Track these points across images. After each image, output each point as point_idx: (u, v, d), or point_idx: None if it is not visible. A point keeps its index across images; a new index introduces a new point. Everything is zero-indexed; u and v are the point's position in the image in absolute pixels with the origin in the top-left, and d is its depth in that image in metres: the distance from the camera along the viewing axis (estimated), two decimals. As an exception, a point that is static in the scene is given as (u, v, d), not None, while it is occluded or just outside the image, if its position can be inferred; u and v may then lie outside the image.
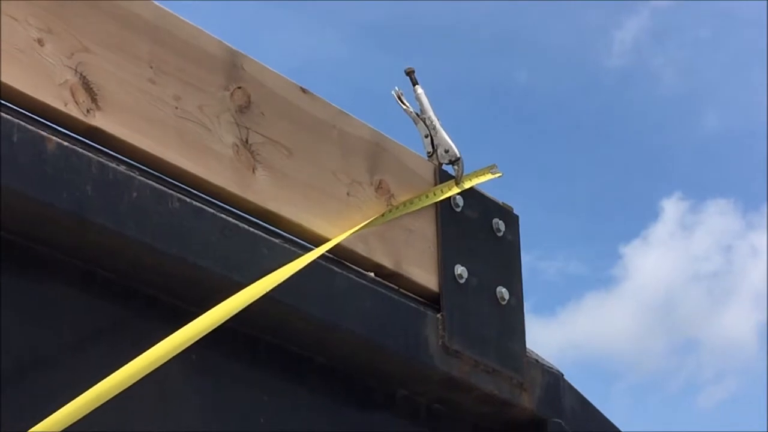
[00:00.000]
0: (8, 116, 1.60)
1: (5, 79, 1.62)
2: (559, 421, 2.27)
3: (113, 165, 1.71)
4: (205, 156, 1.84)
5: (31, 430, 1.51)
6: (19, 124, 1.60)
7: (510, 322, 2.23)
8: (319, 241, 1.94)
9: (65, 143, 1.65)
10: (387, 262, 2.07)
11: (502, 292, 2.22)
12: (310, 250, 1.91)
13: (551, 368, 2.30)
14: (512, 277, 2.26)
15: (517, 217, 2.30)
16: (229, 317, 1.71)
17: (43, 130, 1.64)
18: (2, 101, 1.63)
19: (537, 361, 2.27)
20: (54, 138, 1.64)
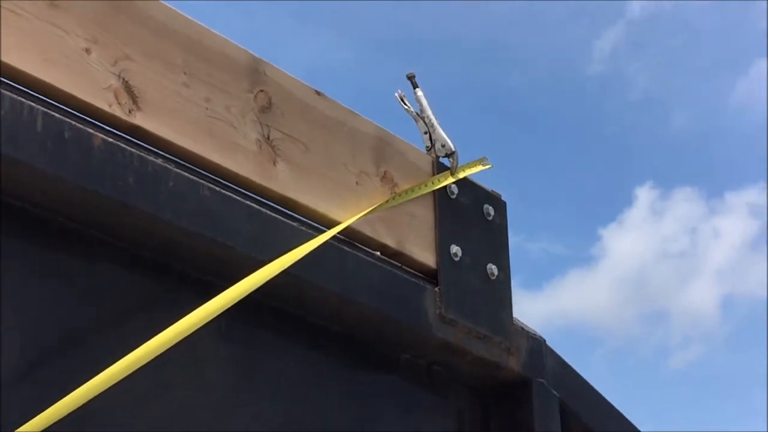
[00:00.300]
0: (60, 116, 1.60)
1: (57, 83, 1.62)
2: (542, 380, 2.26)
3: (152, 158, 1.71)
4: (232, 150, 1.84)
5: (85, 384, 1.50)
6: (69, 123, 1.60)
7: (499, 294, 2.23)
8: (331, 224, 1.94)
9: (109, 139, 1.65)
10: (391, 243, 2.07)
11: (492, 268, 2.22)
12: (323, 232, 1.90)
13: (535, 335, 2.30)
14: (501, 255, 2.26)
15: (505, 203, 2.30)
16: (253, 290, 1.72)
17: (90, 128, 1.63)
18: (55, 103, 1.62)
19: (522, 328, 2.27)
20: (100, 135, 1.64)
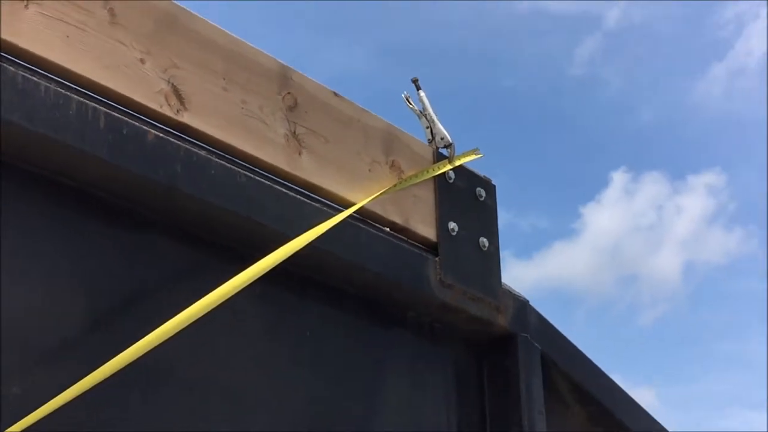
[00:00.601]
0: (119, 115, 1.62)
1: (116, 88, 1.64)
2: (526, 335, 2.27)
3: (196, 150, 1.72)
4: (264, 143, 1.85)
5: (143, 339, 1.52)
6: (126, 121, 1.63)
7: (489, 263, 2.23)
8: (348, 205, 1.95)
9: (160, 134, 1.67)
10: (398, 220, 2.08)
11: (483, 241, 2.22)
12: (341, 211, 1.91)
13: (520, 296, 2.30)
14: (491, 230, 2.26)
15: (495, 186, 2.29)
16: (282, 261, 1.73)
17: (144, 125, 1.66)
18: (115, 104, 1.64)
19: (509, 291, 2.28)
20: (152, 131, 1.66)
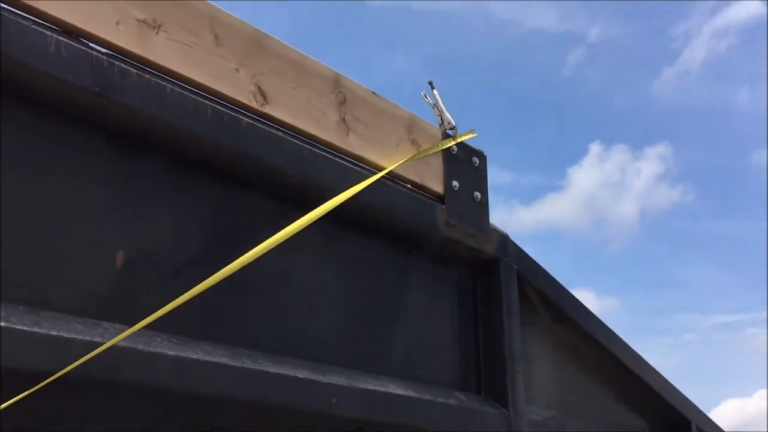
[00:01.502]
0: (220, 107, 1.63)
1: (219, 89, 1.64)
2: (506, 259, 2.28)
3: (275, 131, 1.73)
4: (322, 127, 1.86)
5: (236, 261, 1.51)
6: (226, 112, 1.64)
7: (481, 209, 2.23)
8: (381, 169, 1.95)
9: (250, 121, 1.69)
10: (417, 180, 2.08)
11: (477, 194, 2.22)
12: (376, 174, 1.91)
13: (502, 232, 2.30)
14: (482, 186, 2.24)
15: (486, 156, 2.27)
16: (335, 207, 1.73)
17: (239, 115, 1.67)
18: (218, 100, 1.64)
19: (495, 228, 2.27)
20: (244, 118, 1.68)
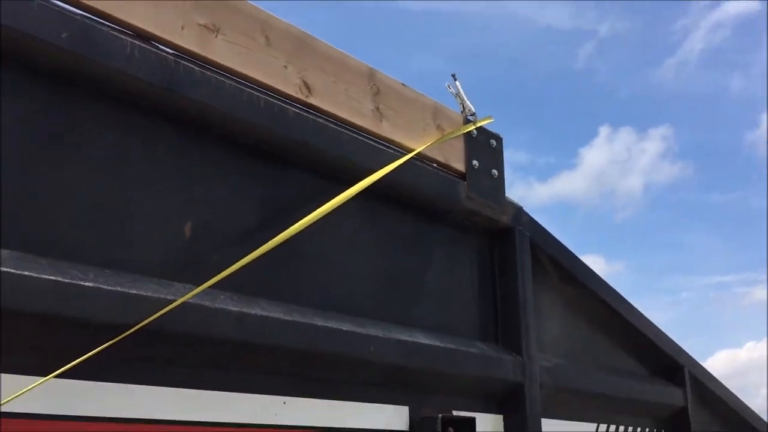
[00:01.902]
0: (272, 99, 1.61)
1: (270, 83, 1.65)
2: (520, 227, 2.26)
3: (317, 119, 1.73)
4: (359, 114, 1.85)
5: (287, 230, 1.52)
6: (276, 103, 1.63)
7: (498, 184, 2.21)
8: (410, 151, 1.94)
9: (297, 110, 1.69)
10: (441, 160, 2.07)
11: (494, 172, 2.20)
12: (405, 155, 1.90)
13: (517, 204, 2.27)
14: (499, 165, 2.22)
15: (502, 138, 2.25)
16: (370, 184, 1.73)
17: (286, 105, 1.66)
18: (270, 93, 1.63)
19: (510, 201, 2.25)
20: (292, 108, 1.68)
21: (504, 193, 2.22)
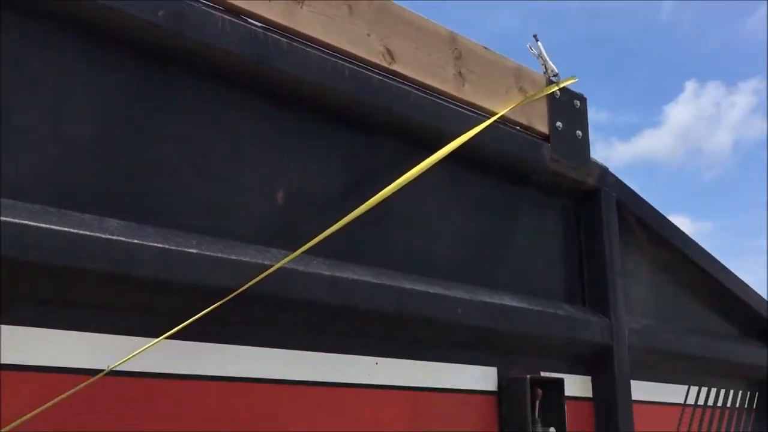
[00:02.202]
0: (355, 67, 1.63)
1: (354, 51, 1.65)
2: (606, 188, 2.23)
3: (401, 84, 1.74)
4: (441, 78, 1.85)
5: (377, 195, 1.54)
6: (360, 71, 1.64)
7: (582, 145, 2.17)
8: (494, 114, 1.92)
9: (381, 77, 1.70)
10: (525, 122, 2.05)
11: (578, 132, 2.17)
12: (489, 119, 1.88)
13: (602, 165, 2.24)
14: (583, 125, 2.18)
15: (586, 98, 2.21)
16: (454, 149, 1.72)
17: (370, 72, 1.68)
18: (354, 61, 1.64)
19: (595, 162, 2.21)
20: (375, 75, 1.69)
21: (589, 154, 2.18)
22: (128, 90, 1.35)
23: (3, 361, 1.11)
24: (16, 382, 1.12)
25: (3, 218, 1.10)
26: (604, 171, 2.24)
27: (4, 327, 1.13)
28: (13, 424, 1.08)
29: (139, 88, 1.37)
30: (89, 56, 1.30)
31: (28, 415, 1.07)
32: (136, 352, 1.21)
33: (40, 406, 1.10)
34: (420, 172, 1.63)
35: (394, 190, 1.57)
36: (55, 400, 1.10)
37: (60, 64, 1.26)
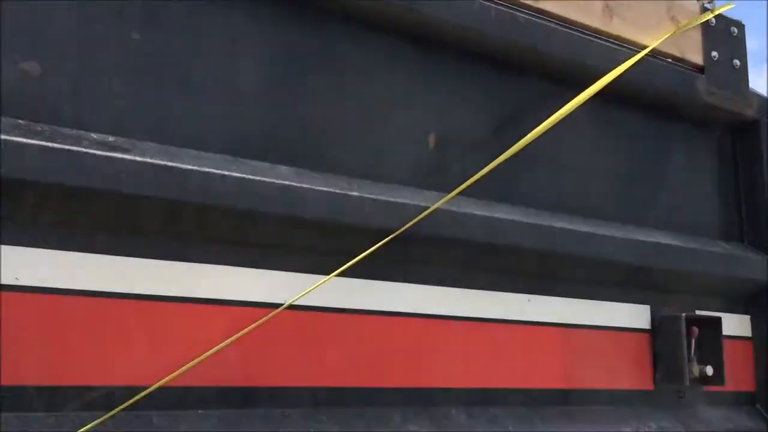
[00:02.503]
0: (501, 8, 1.63)
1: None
2: (767, 120, 2.12)
3: (548, 23, 1.70)
4: (589, 14, 1.79)
5: (523, 138, 1.52)
6: (505, 11, 1.63)
7: (740, 75, 2.06)
8: (643, 48, 1.84)
9: (527, 17, 1.68)
10: (677, 54, 1.97)
11: (736, 62, 2.06)
12: (639, 53, 1.80)
13: (762, 95, 2.13)
14: (741, 53, 2.07)
15: (744, 25, 2.09)
16: (603, 86, 1.65)
17: (517, 12, 1.65)
18: (500, 2, 1.64)
19: (755, 92, 2.11)
20: (522, 15, 1.66)
21: (747, 84, 2.09)
22: (292, 46, 1.43)
23: (198, 295, 1.24)
24: (209, 313, 1.25)
25: (190, 167, 1.21)
26: (764, 101, 2.13)
27: (196, 265, 1.25)
28: (208, 353, 1.20)
29: (301, 44, 1.44)
30: (256, 15, 1.38)
31: (222, 344, 1.20)
32: (310, 288, 1.31)
33: (230, 336, 1.22)
34: (569, 111, 1.60)
35: (543, 131, 1.56)
36: (244, 330, 1.22)
37: (232, 25, 1.35)
